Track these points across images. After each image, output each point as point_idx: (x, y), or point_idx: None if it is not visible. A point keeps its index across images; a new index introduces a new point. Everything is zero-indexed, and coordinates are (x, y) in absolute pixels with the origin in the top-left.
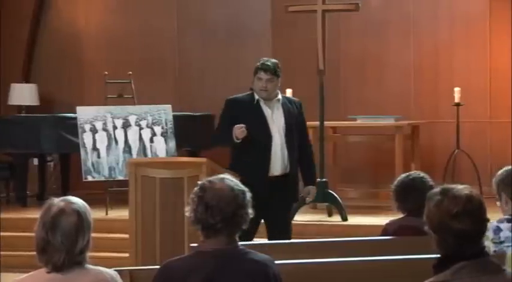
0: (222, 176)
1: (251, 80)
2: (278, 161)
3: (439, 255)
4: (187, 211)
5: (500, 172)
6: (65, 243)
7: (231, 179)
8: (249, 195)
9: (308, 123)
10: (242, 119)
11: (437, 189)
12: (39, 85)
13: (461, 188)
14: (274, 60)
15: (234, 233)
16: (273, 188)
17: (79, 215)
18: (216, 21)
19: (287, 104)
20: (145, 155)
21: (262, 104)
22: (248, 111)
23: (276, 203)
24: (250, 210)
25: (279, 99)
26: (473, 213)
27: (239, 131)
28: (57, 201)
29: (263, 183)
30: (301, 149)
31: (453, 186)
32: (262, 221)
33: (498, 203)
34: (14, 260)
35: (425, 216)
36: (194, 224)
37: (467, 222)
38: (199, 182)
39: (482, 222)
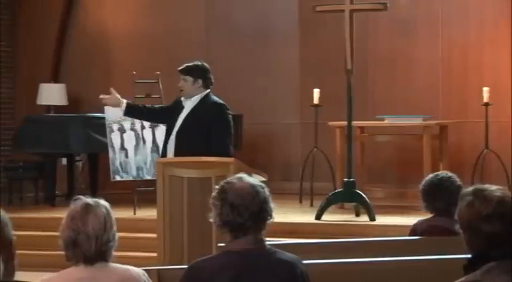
0: (238, 175)
1: (278, 80)
2: (170, 150)
3: (469, 256)
4: (211, 217)
5: None
6: (95, 230)
7: (247, 177)
8: (267, 190)
9: (336, 123)
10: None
11: (470, 189)
12: (67, 85)
13: (494, 190)
14: (194, 63)
15: (260, 230)
16: None
17: (106, 208)
18: (243, 22)
19: (202, 106)
20: None
21: (184, 103)
22: (176, 106)
23: None
24: (272, 205)
25: (192, 101)
26: (503, 216)
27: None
28: (84, 198)
29: None
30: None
31: (486, 187)
32: None
33: None
34: (42, 260)
35: (456, 216)
36: (221, 228)
37: (497, 224)
38: (216, 186)
39: None
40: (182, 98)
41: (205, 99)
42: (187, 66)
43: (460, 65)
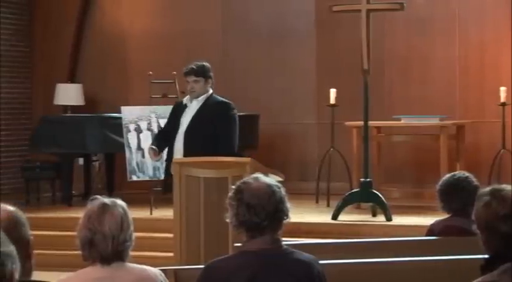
0: (254, 175)
1: (295, 80)
2: (178, 149)
3: (486, 256)
4: (227, 217)
5: None
6: (112, 230)
7: (264, 177)
8: (283, 189)
9: (352, 123)
10: (174, 115)
11: (486, 190)
12: (84, 85)
13: (511, 190)
14: (200, 63)
15: (277, 230)
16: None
17: (123, 208)
18: (260, 22)
19: (208, 105)
20: None
21: (188, 103)
22: (177, 109)
23: None
24: (288, 205)
25: (198, 100)
26: None
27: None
28: (101, 198)
29: (168, 163)
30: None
31: (503, 187)
32: None
33: None
34: (59, 259)
35: (473, 216)
36: (237, 228)
37: None
38: (232, 186)
39: None
40: (185, 98)
41: (210, 99)
42: (197, 67)
43: (477, 64)
